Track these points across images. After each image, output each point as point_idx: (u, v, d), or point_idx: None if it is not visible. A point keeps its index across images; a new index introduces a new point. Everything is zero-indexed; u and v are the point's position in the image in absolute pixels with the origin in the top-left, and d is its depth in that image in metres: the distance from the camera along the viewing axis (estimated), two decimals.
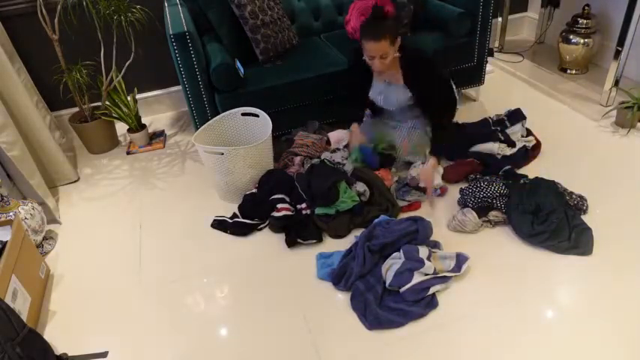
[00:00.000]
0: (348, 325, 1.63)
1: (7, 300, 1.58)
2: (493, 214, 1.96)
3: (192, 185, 2.46)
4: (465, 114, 2.75)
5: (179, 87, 3.15)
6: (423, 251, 1.76)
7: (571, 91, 2.87)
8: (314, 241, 1.97)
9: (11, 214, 1.95)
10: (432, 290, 1.67)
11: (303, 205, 2.07)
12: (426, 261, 1.71)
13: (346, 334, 1.61)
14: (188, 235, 2.13)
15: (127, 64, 2.65)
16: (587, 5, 2.86)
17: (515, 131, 2.37)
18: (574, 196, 2.00)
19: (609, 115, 2.58)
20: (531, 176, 2.12)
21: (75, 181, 2.60)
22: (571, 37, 2.92)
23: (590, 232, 1.85)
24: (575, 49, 2.93)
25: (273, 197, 2.09)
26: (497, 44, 3.51)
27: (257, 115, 2.30)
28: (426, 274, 1.70)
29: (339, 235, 2.00)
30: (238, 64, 2.36)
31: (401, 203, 2.10)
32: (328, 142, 2.47)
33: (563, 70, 3.09)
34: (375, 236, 1.86)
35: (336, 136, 2.46)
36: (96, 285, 1.93)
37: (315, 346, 1.58)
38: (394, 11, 2.55)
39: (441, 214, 2.07)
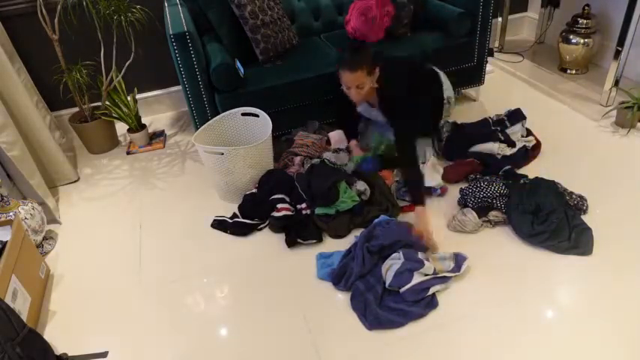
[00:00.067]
0: (348, 325, 1.63)
1: (7, 300, 1.58)
2: (493, 214, 1.96)
3: (192, 185, 2.46)
4: (465, 114, 2.75)
5: (179, 87, 3.15)
6: (421, 253, 1.77)
7: (571, 91, 2.87)
8: (314, 241, 1.97)
9: (11, 214, 1.95)
10: (431, 290, 1.67)
11: (303, 205, 2.07)
12: (425, 261, 1.71)
13: (346, 334, 1.61)
14: (188, 235, 2.13)
15: (127, 64, 2.65)
16: (587, 5, 2.86)
17: (515, 131, 2.37)
18: (574, 196, 2.00)
19: (609, 115, 2.58)
20: (531, 176, 2.12)
21: (75, 181, 2.60)
22: (571, 37, 2.92)
23: (590, 232, 1.85)
24: (575, 49, 2.93)
25: (273, 197, 2.09)
26: (497, 44, 3.51)
27: (257, 115, 2.30)
28: (426, 275, 1.70)
29: (339, 235, 2.00)
30: (238, 64, 2.36)
31: (401, 203, 2.10)
32: (328, 142, 2.47)
33: (563, 70, 3.09)
34: (375, 236, 1.86)
35: (336, 136, 2.46)
36: (96, 285, 1.93)
37: (315, 346, 1.58)
38: (394, 11, 2.55)
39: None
